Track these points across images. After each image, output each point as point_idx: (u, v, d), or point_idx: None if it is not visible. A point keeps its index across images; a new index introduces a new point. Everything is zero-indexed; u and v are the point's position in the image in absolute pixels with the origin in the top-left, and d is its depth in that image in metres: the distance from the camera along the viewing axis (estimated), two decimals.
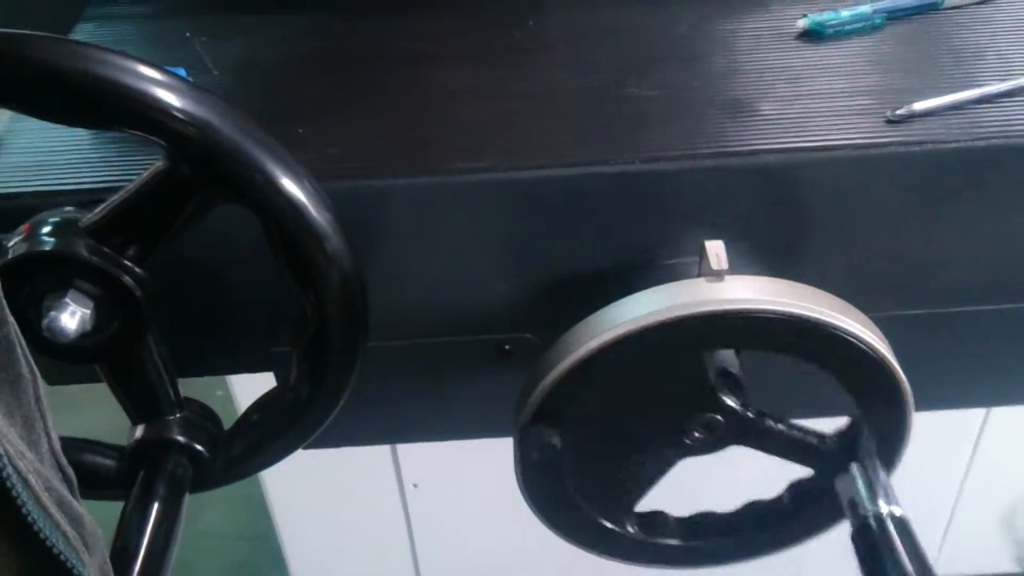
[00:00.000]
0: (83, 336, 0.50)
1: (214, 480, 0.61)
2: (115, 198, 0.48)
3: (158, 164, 0.46)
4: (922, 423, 0.92)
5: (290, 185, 0.47)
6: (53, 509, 0.36)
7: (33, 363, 0.38)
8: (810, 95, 0.61)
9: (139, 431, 0.58)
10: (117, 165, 0.57)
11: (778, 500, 0.65)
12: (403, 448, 0.95)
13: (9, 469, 0.33)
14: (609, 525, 0.63)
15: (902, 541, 0.55)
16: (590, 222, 0.58)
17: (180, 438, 0.58)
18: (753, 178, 0.57)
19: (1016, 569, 1.29)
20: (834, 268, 0.60)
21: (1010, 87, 0.60)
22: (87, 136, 0.60)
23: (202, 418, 0.60)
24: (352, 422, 0.62)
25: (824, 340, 0.54)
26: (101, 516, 0.43)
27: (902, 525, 0.56)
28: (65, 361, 0.52)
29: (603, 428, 0.62)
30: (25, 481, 0.34)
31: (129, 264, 0.49)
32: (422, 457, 0.97)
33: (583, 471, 0.61)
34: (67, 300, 0.48)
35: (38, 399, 0.38)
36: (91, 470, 0.60)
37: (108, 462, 0.60)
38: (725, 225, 0.58)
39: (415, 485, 1.00)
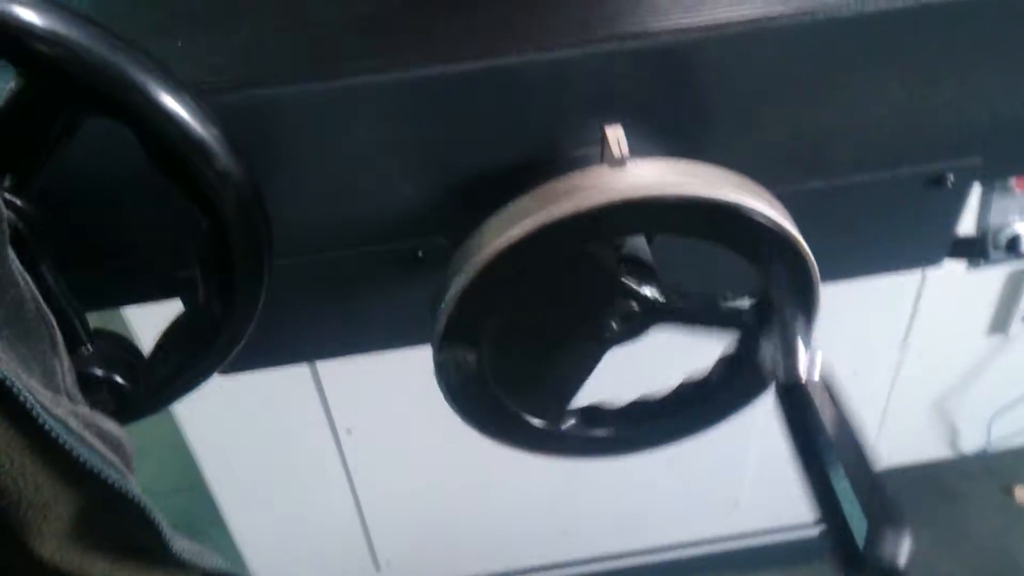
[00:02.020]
0: None
1: (139, 410, 0.60)
2: None
3: (11, 85, 0.44)
4: (853, 318, 0.95)
5: (166, 97, 0.45)
6: (98, 444, 0.39)
7: (50, 316, 0.41)
8: None
9: None
10: None
11: (709, 375, 0.67)
12: (332, 394, 0.95)
13: (52, 422, 0.36)
14: (545, 426, 0.65)
15: (824, 402, 0.56)
16: (490, 117, 0.57)
17: (97, 371, 0.57)
18: (650, 60, 0.56)
19: (950, 454, 1.34)
20: (735, 146, 0.60)
21: None
22: None
23: (118, 348, 0.59)
24: (270, 342, 0.62)
25: (728, 220, 0.55)
26: None
27: (824, 387, 0.57)
28: None
29: (522, 332, 0.62)
30: (65, 424, 0.37)
31: (8, 197, 0.47)
32: (353, 403, 0.97)
33: (509, 378, 0.62)
34: None
35: (55, 346, 0.41)
36: None
37: None
38: (625, 111, 0.57)
39: (349, 431, 1.00)
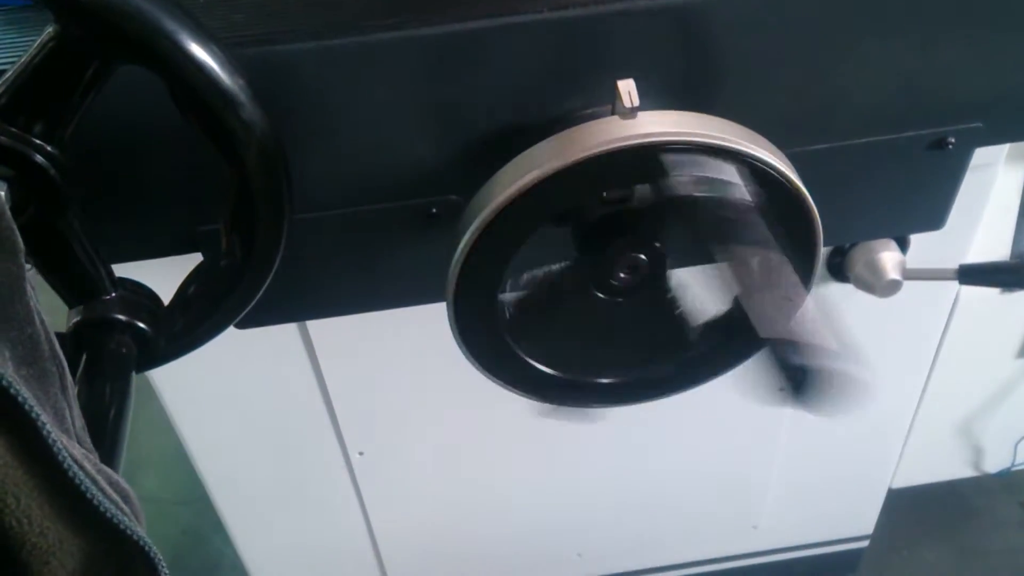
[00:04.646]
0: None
1: (160, 356, 0.62)
2: (11, 72, 0.47)
3: (48, 30, 0.45)
4: (883, 334, 0.96)
5: (195, 47, 0.47)
6: (110, 491, 0.38)
7: (61, 356, 0.40)
8: None
9: (76, 314, 0.58)
10: (18, 45, 0.56)
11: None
12: (344, 417, 0.95)
13: (69, 461, 0.35)
14: (557, 373, 0.66)
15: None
16: (505, 76, 0.59)
17: (120, 316, 0.58)
18: (662, 19, 0.58)
19: (973, 473, 1.35)
20: (743, 105, 0.62)
21: None
22: None
23: (139, 295, 0.60)
24: (285, 297, 0.63)
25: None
26: None
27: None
28: None
29: (534, 284, 0.64)
30: (82, 467, 0.36)
31: (39, 142, 0.48)
32: (365, 425, 0.97)
33: (521, 328, 0.63)
34: None
35: (64, 388, 0.40)
36: None
37: None
38: (637, 68, 0.59)
39: (361, 453, 1.00)
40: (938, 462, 1.30)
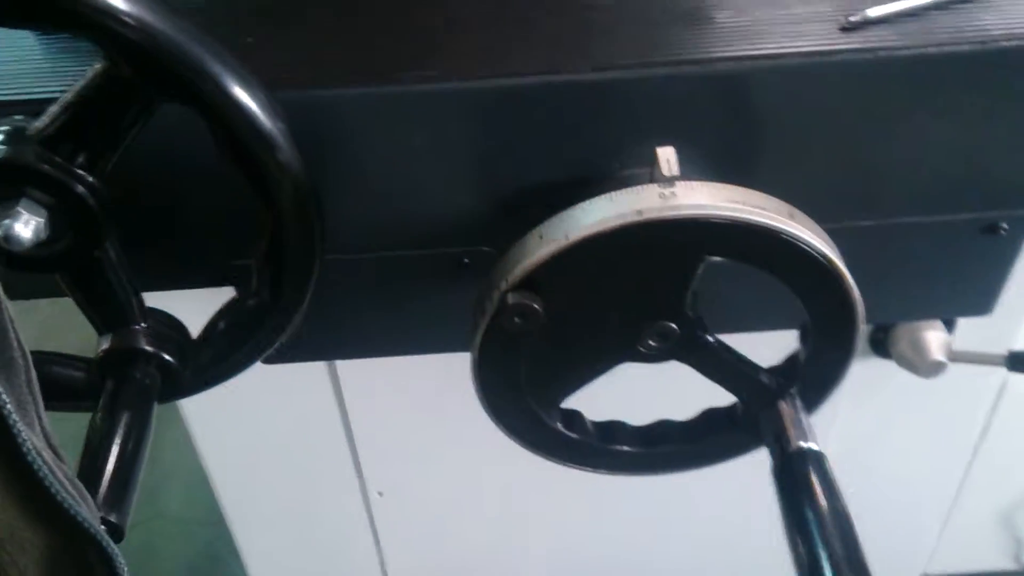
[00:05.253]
0: (40, 245, 0.51)
1: (184, 389, 0.62)
2: (59, 103, 0.48)
3: (96, 66, 0.46)
4: (927, 417, 0.93)
5: (238, 89, 0.47)
6: (68, 486, 0.37)
7: (26, 348, 0.39)
8: (765, 3, 0.60)
9: (105, 342, 0.59)
10: (67, 74, 0.57)
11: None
12: (365, 456, 0.94)
13: (29, 445, 0.34)
14: (564, 430, 0.65)
15: (819, 477, 0.58)
16: (543, 132, 0.59)
17: (147, 347, 0.59)
18: (707, 87, 0.57)
19: (1013, 566, 1.30)
20: (786, 178, 0.61)
21: None
22: (36, 46, 0.59)
23: (168, 327, 0.61)
24: (313, 337, 0.63)
25: (774, 246, 0.55)
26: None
27: (819, 461, 0.59)
28: (25, 271, 0.53)
29: (557, 340, 0.63)
30: (42, 457, 0.35)
31: (80, 172, 0.50)
32: (386, 465, 0.96)
33: (538, 377, 0.62)
34: (19, 209, 0.49)
35: (29, 382, 0.39)
36: (60, 382, 0.62)
37: (77, 374, 0.62)
38: (678, 135, 0.58)
39: (380, 493, 0.99)
40: (977, 552, 1.25)
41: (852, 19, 0.57)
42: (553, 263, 0.55)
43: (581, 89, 0.56)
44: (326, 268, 0.57)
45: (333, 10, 0.62)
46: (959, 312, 0.72)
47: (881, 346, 0.86)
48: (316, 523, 1.04)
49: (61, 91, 0.56)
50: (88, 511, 0.38)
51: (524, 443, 0.66)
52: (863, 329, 0.61)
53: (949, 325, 0.82)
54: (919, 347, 0.81)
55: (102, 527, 0.39)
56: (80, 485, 0.40)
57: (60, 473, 0.37)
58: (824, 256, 0.55)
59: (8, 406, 0.33)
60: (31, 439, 0.35)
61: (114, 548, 0.39)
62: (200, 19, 0.48)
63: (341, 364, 0.84)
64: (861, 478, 0.97)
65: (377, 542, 1.07)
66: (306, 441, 0.93)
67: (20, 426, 0.34)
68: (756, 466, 0.63)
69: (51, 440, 0.40)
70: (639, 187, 0.55)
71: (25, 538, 0.36)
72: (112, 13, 0.44)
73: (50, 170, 0.49)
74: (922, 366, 0.81)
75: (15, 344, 0.38)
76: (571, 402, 0.65)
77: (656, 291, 0.58)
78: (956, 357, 0.81)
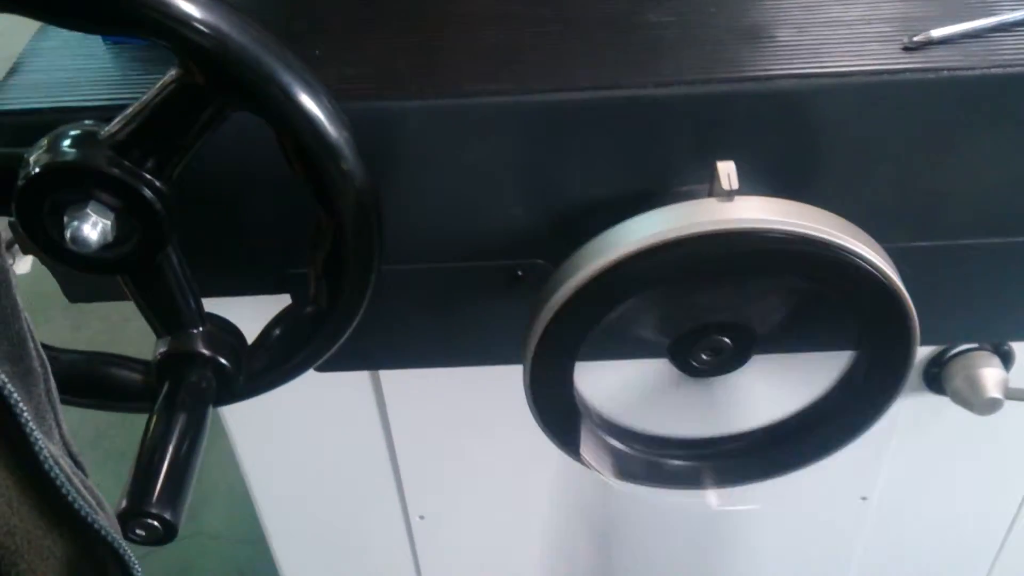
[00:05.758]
0: (105, 247, 0.51)
1: (238, 393, 0.63)
2: (131, 109, 0.49)
3: (171, 72, 0.47)
4: (976, 456, 0.92)
5: (306, 99, 0.48)
6: (85, 492, 0.37)
7: (44, 357, 0.39)
8: (827, 22, 0.60)
9: (163, 344, 0.60)
10: (136, 82, 0.58)
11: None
12: (408, 478, 0.94)
13: (46, 453, 0.34)
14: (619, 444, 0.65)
15: None
16: (603, 147, 0.59)
17: (204, 351, 0.60)
18: (767, 104, 0.57)
19: None
20: (846, 196, 0.60)
21: None
22: (107, 54, 0.61)
23: (225, 332, 0.62)
24: (366, 346, 0.63)
25: (832, 263, 0.54)
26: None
27: None
28: (89, 272, 0.53)
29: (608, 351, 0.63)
30: (59, 465, 0.35)
31: (149, 177, 0.50)
32: (428, 489, 0.96)
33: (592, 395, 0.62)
34: (88, 211, 0.50)
35: (48, 391, 0.39)
36: (118, 383, 0.63)
37: (134, 375, 0.63)
38: (739, 151, 0.58)
39: (421, 517, 0.99)
40: None
41: (915, 39, 0.57)
42: (608, 275, 0.55)
43: (643, 104, 0.57)
44: (382, 277, 0.57)
45: (400, 27, 0.63)
46: (1016, 337, 0.71)
47: (935, 381, 0.83)
48: (356, 543, 1.04)
49: (130, 98, 0.57)
50: (106, 519, 0.38)
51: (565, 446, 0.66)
52: (917, 350, 0.60)
53: (1007, 362, 0.80)
54: (975, 383, 0.79)
55: (118, 535, 0.39)
56: (99, 493, 0.40)
57: (78, 481, 0.37)
58: (883, 274, 0.55)
59: (26, 414, 0.33)
60: (48, 447, 0.35)
61: (131, 557, 0.39)
62: (272, 30, 0.48)
63: (386, 383, 0.84)
64: (911, 514, 0.96)
65: (417, 566, 1.06)
66: (349, 462, 0.93)
67: (37, 434, 0.34)
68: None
69: (70, 448, 0.40)
70: (696, 200, 0.55)
71: (44, 546, 0.36)
72: (188, 21, 0.45)
73: (120, 174, 0.50)
74: (977, 403, 0.79)
75: (34, 354, 0.38)
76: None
77: (712, 305, 0.58)
78: (1013, 395, 0.79)
